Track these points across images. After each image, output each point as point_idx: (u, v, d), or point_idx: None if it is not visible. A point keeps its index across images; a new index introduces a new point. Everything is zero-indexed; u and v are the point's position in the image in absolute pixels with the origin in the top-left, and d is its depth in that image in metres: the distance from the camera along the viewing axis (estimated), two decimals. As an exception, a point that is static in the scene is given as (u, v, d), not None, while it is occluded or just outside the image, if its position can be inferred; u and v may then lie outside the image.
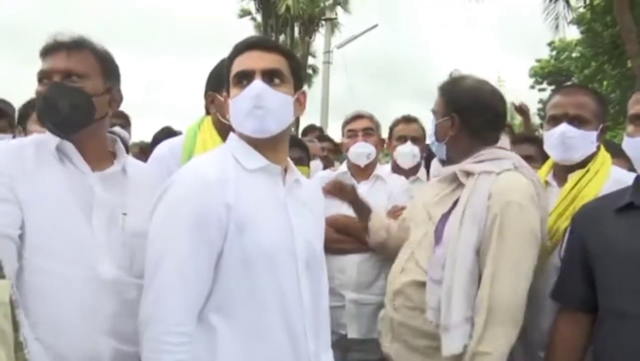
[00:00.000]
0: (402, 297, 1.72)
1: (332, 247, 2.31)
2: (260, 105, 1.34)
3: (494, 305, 1.51)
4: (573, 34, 18.75)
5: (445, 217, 1.66)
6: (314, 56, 26.98)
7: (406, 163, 2.79)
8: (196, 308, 1.27)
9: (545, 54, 24.69)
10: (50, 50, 1.44)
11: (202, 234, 1.26)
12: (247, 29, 25.43)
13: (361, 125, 2.50)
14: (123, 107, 1.68)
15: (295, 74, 1.44)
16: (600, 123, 1.81)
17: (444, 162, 1.85)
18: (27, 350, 0.93)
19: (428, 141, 2.01)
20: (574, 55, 21.06)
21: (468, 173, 1.67)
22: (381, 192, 2.43)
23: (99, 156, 1.49)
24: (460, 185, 1.69)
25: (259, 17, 25.02)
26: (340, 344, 2.31)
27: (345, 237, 2.31)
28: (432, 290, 1.60)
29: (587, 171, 1.79)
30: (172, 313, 1.23)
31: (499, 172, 1.63)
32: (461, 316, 1.53)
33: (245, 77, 1.37)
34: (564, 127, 1.78)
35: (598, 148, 1.84)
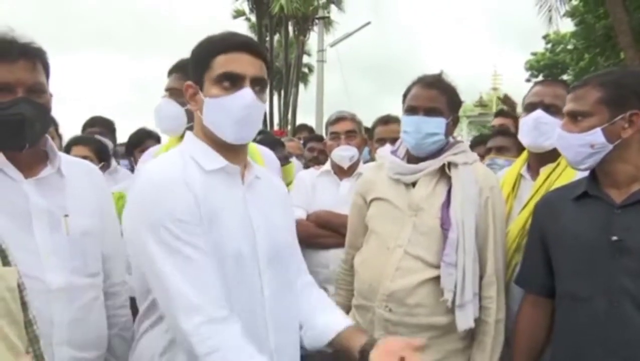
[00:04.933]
0: (400, 298, 1.71)
1: (315, 242, 2.34)
2: (249, 117, 1.30)
3: (499, 277, 1.72)
4: (568, 26, 18.75)
5: (445, 205, 1.73)
6: (309, 55, 27.04)
7: None
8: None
9: (541, 47, 24.68)
10: (7, 55, 1.28)
11: (187, 229, 1.21)
12: (242, 30, 25.49)
13: (343, 128, 2.52)
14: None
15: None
16: None
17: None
18: (37, 325, 1.04)
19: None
20: (569, 47, 21.05)
21: (451, 165, 1.76)
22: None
23: (33, 160, 1.40)
24: (443, 176, 1.76)
25: (253, 18, 25.09)
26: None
27: (327, 231, 2.34)
28: (449, 272, 1.66)
29: (557, 165, 1.84)
30: (211, 299, 1.19)
31: (471, 162, 1.79)
32: (471, 294, 1.67)
33: (233, 80, 1.28)
34: (538, 112, 1.84)
35: None
